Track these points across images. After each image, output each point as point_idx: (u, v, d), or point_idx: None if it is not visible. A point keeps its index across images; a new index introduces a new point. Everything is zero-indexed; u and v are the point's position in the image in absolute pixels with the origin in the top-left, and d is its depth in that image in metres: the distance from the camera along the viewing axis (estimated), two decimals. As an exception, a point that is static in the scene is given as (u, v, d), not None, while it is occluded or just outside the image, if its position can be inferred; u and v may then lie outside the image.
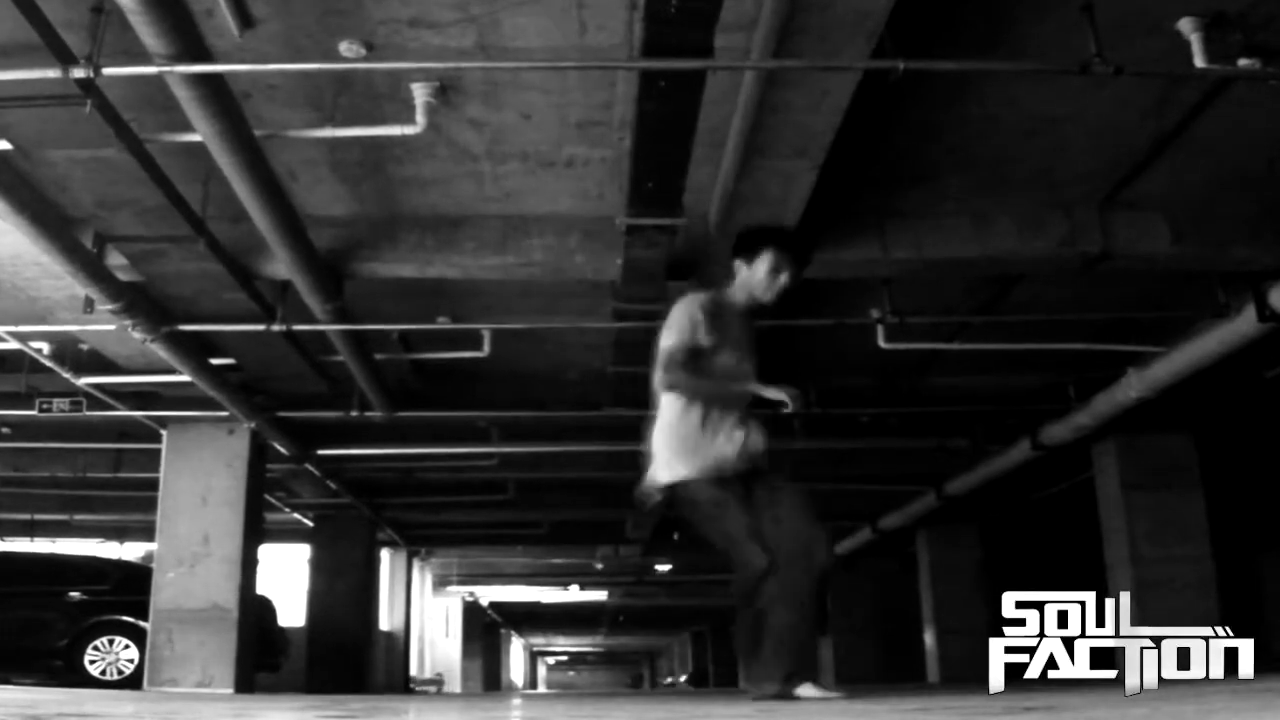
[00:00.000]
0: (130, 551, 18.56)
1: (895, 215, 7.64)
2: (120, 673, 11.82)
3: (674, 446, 4.86)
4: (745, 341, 5.00)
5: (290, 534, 18.25)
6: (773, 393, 4.82)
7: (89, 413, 10.69)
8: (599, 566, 24.06)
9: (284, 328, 8.31)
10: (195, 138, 5.76)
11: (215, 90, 5.27)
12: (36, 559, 14.39)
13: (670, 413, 4.90)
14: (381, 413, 10.59)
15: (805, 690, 4.60)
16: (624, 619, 37.11)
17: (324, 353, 9.43)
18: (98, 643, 11.96)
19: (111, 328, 8.22)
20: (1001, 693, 4.32)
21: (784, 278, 4.93)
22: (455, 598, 29.22)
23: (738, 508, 4.75)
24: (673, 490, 4.90)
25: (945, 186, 7.43)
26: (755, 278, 4.94)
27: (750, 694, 4.89)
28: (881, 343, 8.71)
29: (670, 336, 4.83)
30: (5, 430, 12.39)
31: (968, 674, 16.16)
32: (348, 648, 16.58)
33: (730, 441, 4.82)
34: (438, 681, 24.39)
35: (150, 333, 8.02)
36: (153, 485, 11.25)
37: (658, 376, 4.83)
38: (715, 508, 4.80)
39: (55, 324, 8.87)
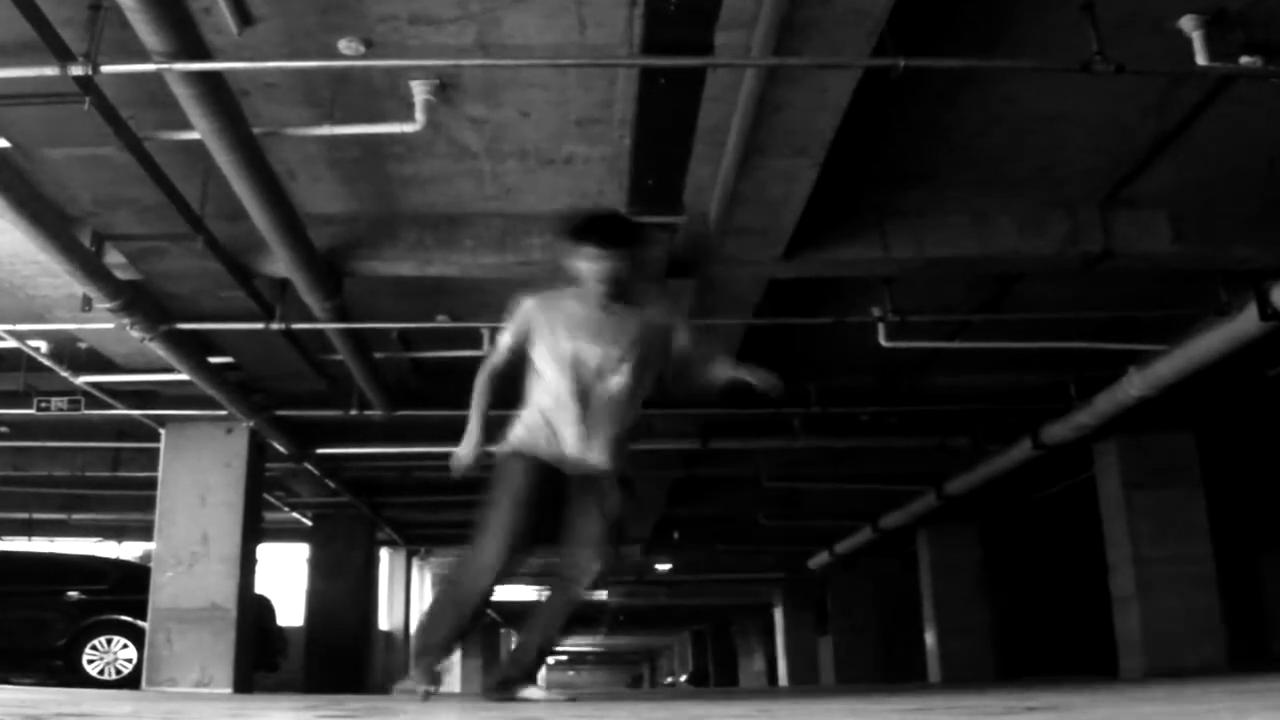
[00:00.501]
0: (128, 551, 18.53)
1: (896, 214, 7.62)
2: (119, 672, 11.79)
3: (522, 419, 4.85)
4: (611, 335, 4.79)
5: (289, 533, 18.21)
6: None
7: (87, 411, 10.69)
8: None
9: (283, 326, 8.31)
10: (194, 136, 5.73)
11: (214, 88, 5.25)
12: (34, 558, 14.38)
13: (534, 391, 4.88)
14: (381, 411, 10.58)
15: (530, 692, 4.83)
16: (624, 618, 36.99)
17: (323, 351, 9.41)
18: (96, 642, 11.92)
19: (110, 326, 8.21)
20: (1003, 692, 4.31)
21: (607, 266, 4.72)
22: (454, 597, 29.11)
23: (520, 510, 4.72)
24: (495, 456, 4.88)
25: (946, 185, 7.42)
26: (584, 270, 4.77)
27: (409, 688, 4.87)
28: (882, 341, 8.73)
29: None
30: (3, 429, 12.36)
31: (969, 674, 16.16)
32: (347, 647, 16.54)
33: (569, 442, 4.75)
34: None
35: (148, 331, 8.01)
36: (151, 484, 11.25)
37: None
38: (503, 493, 4.77)
39: (53, 322, 8.87)
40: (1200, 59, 5.52)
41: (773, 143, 6.06)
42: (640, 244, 4.90)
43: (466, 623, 4.85)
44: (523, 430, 4.80)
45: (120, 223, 7.18)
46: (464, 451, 4.83)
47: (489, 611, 5.43)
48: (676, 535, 19.38)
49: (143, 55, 4.89)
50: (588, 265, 4.73)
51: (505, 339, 4.90)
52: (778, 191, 6.59)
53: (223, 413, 10.51)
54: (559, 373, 4.75)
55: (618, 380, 4.76)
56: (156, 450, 11.15)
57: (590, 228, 4.80)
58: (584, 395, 4.73)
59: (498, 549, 4.66)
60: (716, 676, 38.89)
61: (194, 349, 8.93)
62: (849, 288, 8.64)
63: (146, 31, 4.70)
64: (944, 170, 7.26)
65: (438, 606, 5.09)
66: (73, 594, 12.33)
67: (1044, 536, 18.01)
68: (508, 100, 6.30)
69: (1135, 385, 9.40)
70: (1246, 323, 8.02)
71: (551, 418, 4.74)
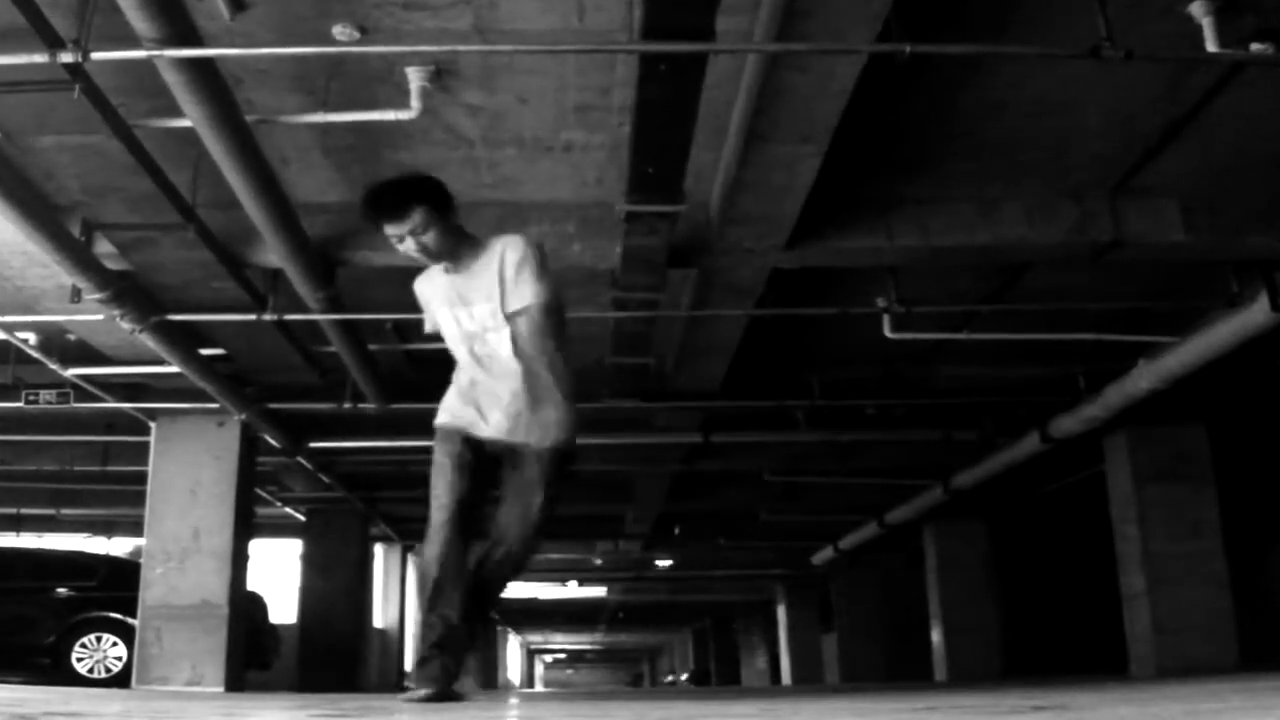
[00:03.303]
0: (118, 546, 18.48)
1: (901, 202, 7.55)
2: (108, 670, 11.74)
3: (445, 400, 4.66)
4: (471, 297, 4.54)
5: (282, 529, 18.16)
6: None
7: (76, 404, 10.62)
8: (598, 562, 23.95)
9: (275, 317, 8.24)
10: (185, 123, 5.68)
11: (205, 75, 5.20)
12: (23, 554, 14.26)
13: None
14: (375, 404, 10.51)
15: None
16: (624, 616, 37.03)
17: (316, 343, 9.38)
18: (85, 640, 11.86)
19: (99, 317, 8.11)
20: (1011, 691, 4.22)
21: (406, 239, 4.46)
22: (451, 594, 29.05)
23: (450, 480, 4.42)
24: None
25: (953, 172, 7.35)
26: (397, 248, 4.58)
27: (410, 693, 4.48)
28: (887, 332, 8.66)
29: None
30: (-8, 422, 12.29)
31: (976, 672, 16.09)
32: (340, 645, 16.49)
33: (484, 413, 4.49)
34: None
35: (139, 322, 7.92)
36: (141, 479, 11.17)
37: None
38: (434, 468, 4.50)
39: (42, 313, 8.81)
40: (1210, 45, 5.46)
41: (775, 130, 5.98)
42: (417, 201, 4.47)
43: (429, 602, 4.43)
44: (446, 406, 4.60)
45: (110, 212, 7.15)
46: None
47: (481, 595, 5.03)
48: (677, 530, 19.34)
49: (133, 41, 4.83)
50: (394, 243, 4.53)
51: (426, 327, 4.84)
52: (780, 179, 6.51)
53: (214, 406, 10.44)
54: (455, 347, 4.62)
55: (498, 337, 4.50)
56: (147, 444, 11.10)
57: (366, 207, 4.54)
58: (481, 363, 4.53)
59: (433, 519, 4.42)
60: (718, 675, 38.89)
61: (185, 341, 8.87)
62: (853, 278, 8.57)
63: (137, 17, 4.64)
64: (950, 158, 7.19)
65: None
66: (61, 591, 12.28)
67: (1053, 532, 17.94)
68: (505, 87, 6.23)
69: (1145, 377, 9.33)
70: (1257, 314, 7.96)
71: (475, 394, 4.53)
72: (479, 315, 4.51)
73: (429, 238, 4.43)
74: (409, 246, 4.46)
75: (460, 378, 4.60)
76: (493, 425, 4.45)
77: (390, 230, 4.44)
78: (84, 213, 7.26)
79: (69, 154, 6.69)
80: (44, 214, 6.52)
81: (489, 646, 39.26)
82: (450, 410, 4.55)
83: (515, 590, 30.09)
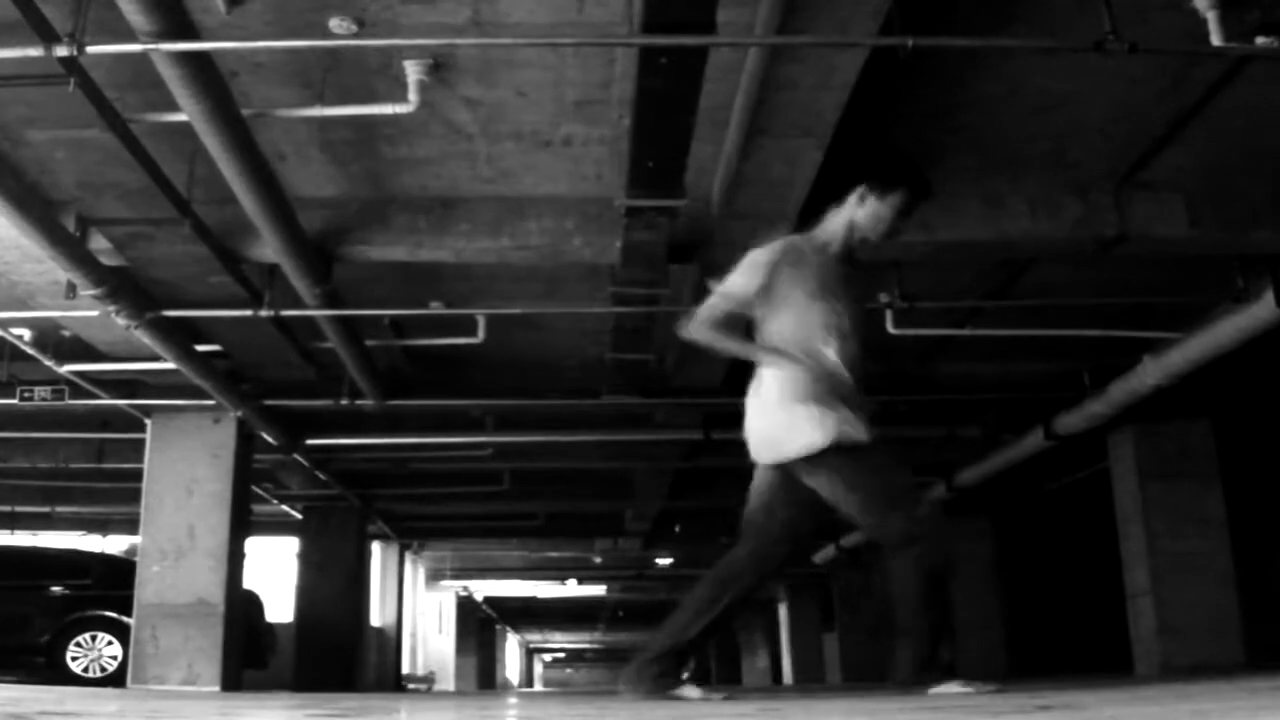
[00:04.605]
0: (113, 544, 18.43)
1: (904, 197, 7.48)
2: (103, 670, 11.72)
3: (804, 412, 4.41)
4: (845, 294, 4.47)
5: (278, 527, 18.09)
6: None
7: (71, 401, 10.54)
8: (597, 560, 23.90)
9: (272, 313, 8.17)
10: (181, 117, 5.63)
11: (202, 68, 5.15)
12: (17, 552, 14.23)
13: (783, 380, 4.49)
14: (372, 401, 10.45)
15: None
16: (623, 614, 36.97)
17: (313, 339, 9.30)
18: (80, 639, 11.84)
19: (94, 313, 8.08)
20: (1015, 690, 4.17)
21: (906, 223, 4.34)
22: (449, 592, 29.05)
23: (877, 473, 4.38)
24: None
25: (956, 167, 7.28)
26: (878, 216, 4.35)
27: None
28: (890, 328, 8.58)
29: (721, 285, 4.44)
30: (-14, 419, 12.23)
31: (980, 671, 16.03)
32: (338, 644, 16.41)
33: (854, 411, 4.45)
34: (428, 680, 24.22)
35: (134, 318, 7.87)
36: (136, 476, 11.08)
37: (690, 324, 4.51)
38: (860, 474, 4.38)
39: (36, 310, 8.73)
40: (1215, 39, 5.39)
41: (776, 124, 5.95)
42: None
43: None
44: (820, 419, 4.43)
45: (105, 207, 7.06)
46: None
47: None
48: (678, 528, 19.26)
49: (129, 35, 4.78)
50: (896, 217, 4.35)
51: (731, 288, 4.53)
52: (782, 173, 6.47)
53: (210, 402, 10.37)
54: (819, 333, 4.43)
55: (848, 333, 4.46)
56: (142, 441, 11.01)
57: (926, 184, 4.42)
58: (851, 361, 4.46)
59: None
60: (719, 674, 38.82)
61: (181, 337, 8.79)
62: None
63: (133, 11, 4.59)
64: (953, 152, 7.14)
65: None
66: (56, 589, 12.27)
67: (1057, 529, 17.89)
68: (503, 80, 6.19)
69: (1150, 373, 9.27)
70: (1263, 309, 7.91)
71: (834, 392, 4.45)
72: (848, 310, 4.52)
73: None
74: (898, 226, 4.40)
75: (822, 372, 4.51)
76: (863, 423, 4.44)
77: (912, 211, 4.38)
78: (79, 208, 7.19)
79: (64, 148, 6.58)
80: (38, 209, 6.46)
81: (487, 647, 39.23)
82: (844, 419, 4.47)
83: (513, 589, 30.04)
